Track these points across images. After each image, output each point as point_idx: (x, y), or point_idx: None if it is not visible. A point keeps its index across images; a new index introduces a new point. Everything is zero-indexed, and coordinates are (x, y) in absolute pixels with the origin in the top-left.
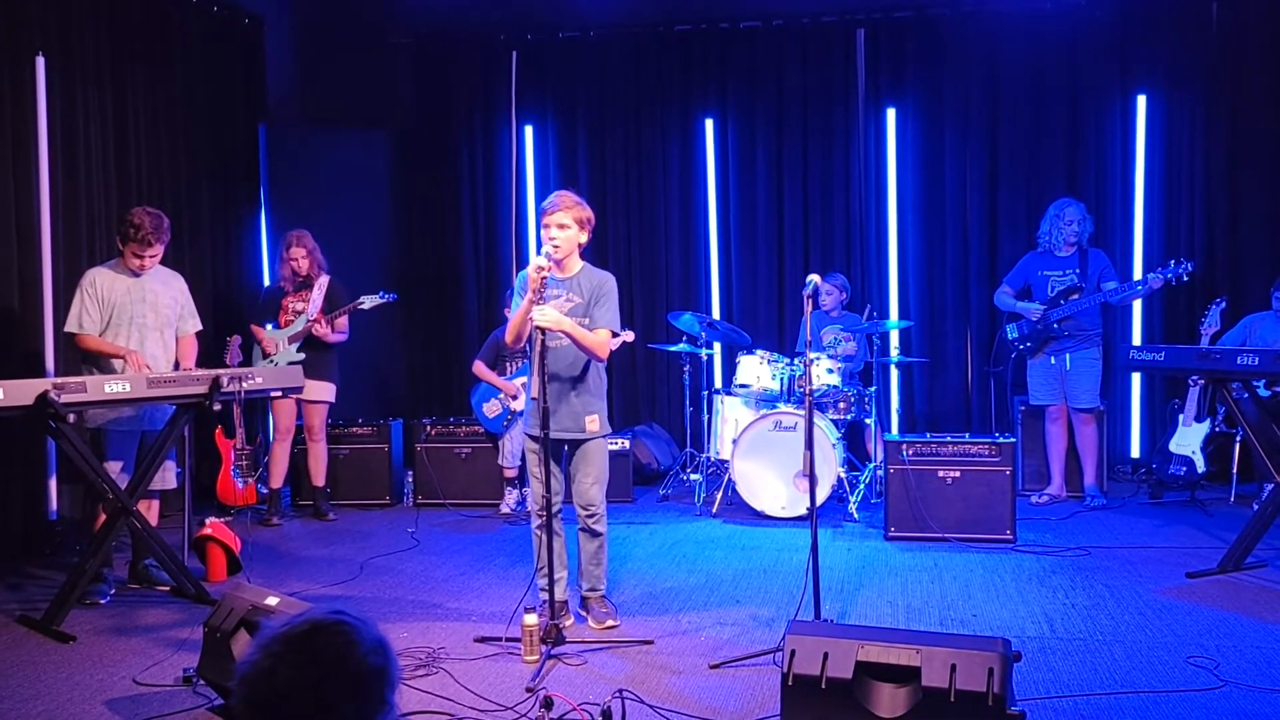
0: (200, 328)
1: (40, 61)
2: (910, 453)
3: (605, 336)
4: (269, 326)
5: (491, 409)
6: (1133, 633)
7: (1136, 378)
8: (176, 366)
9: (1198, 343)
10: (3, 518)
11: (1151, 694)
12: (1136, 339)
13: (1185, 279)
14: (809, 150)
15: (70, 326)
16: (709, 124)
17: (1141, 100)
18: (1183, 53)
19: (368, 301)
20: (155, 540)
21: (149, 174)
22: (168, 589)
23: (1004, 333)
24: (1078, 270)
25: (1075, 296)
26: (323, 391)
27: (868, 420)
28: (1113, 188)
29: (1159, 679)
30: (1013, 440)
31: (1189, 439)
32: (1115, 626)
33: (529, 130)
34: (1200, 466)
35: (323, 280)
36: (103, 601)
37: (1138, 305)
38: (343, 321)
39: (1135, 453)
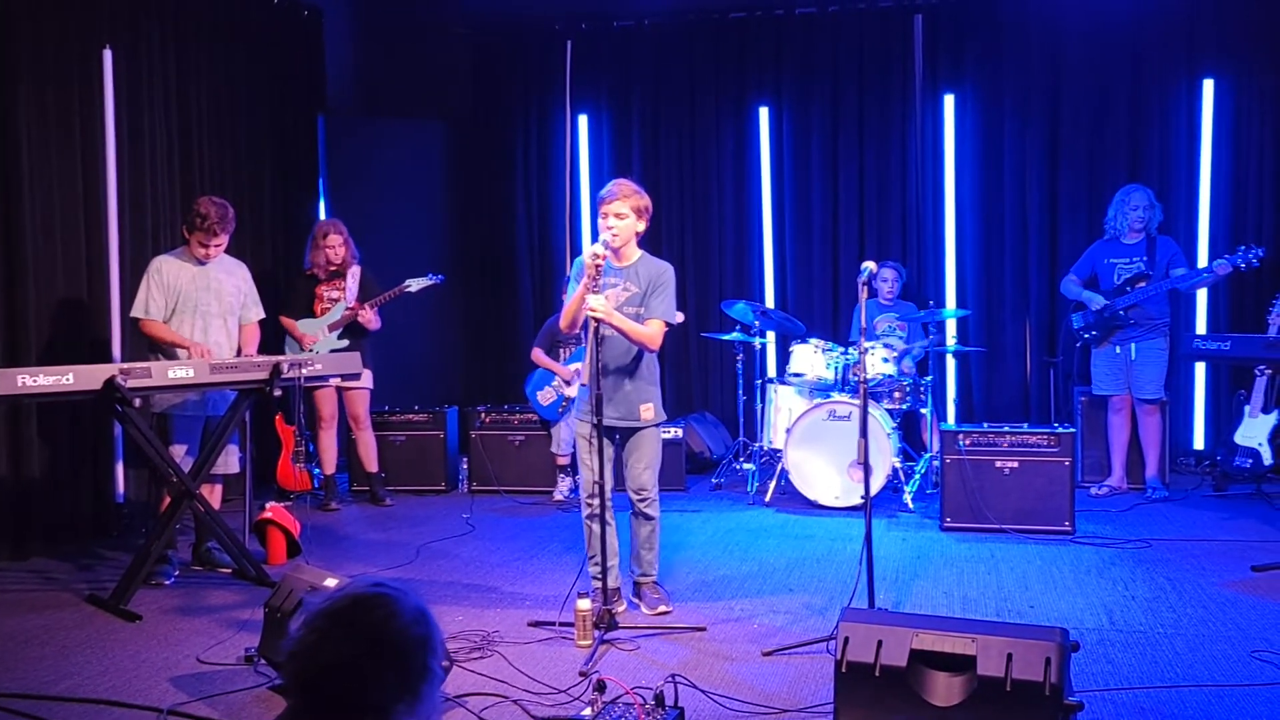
0: (263, 316)
1: (108, 54)
2: (967, 443)
3: (657, 328)
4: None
5: (546, 396)
6: (1195, 626)
7: (1201, 367)
8: (239, 354)
9: (1265, 331)
10: (73, 499)
11: (1214, 688)
12: (1201, 328)
13: (1255, 264)
14: (865, 138)
15: (136, 312)
16: (764, 112)
17: (1208, 85)
18: (1252, 36)
19: (414, 284)
20: (218, 523)
21: (212, 165)
22: (229, 571)
23: (1069, 321)
24: (1145, 257)
25: (1142, 284)
26: (362, 379)
27: (923, 410)
28: (1177, 174)
29: (1222, 673)
30: (1072, 431)
31: (1255, 430)
32: (1177, 620)
33: (583, 119)
34: (1267, 459)
35: (355, 269)
36: (167, 582)
37: (1202, 293)
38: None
39: (1199, 444)
